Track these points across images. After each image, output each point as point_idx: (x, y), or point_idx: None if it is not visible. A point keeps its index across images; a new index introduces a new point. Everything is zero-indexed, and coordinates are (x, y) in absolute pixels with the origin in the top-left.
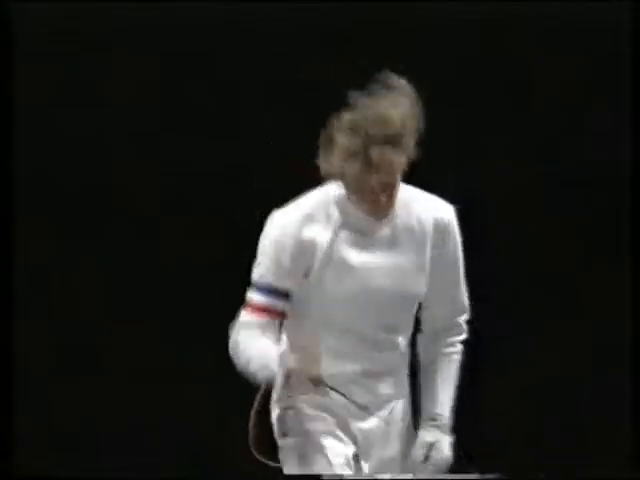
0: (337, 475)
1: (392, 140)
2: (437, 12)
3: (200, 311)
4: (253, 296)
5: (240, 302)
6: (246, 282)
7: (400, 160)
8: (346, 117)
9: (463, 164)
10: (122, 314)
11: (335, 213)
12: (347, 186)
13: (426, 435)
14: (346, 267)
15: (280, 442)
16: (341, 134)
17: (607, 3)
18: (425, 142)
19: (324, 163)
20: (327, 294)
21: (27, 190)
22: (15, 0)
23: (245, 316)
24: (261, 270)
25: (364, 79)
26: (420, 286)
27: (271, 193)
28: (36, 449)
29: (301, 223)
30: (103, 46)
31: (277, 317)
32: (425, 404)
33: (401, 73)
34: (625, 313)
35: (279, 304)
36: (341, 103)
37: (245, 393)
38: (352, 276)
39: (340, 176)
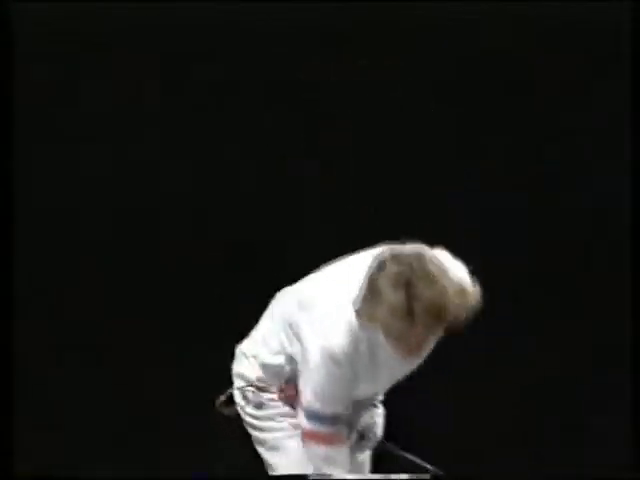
0: (325, 475)
1: (441, 316)
2: (437, 12)
3: (200, 311)
4: (330, 429)
5: (239, 303)
6: (246, 284)
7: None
8: (392, 269)
9: (463, 164)
10: (122, 314)
11: (375, 345)
12: (387, 334)
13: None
14: (380, 375)
15: (255, 412)
16: (387, 286)
17: (607, 3)
18: (425, 142)
19: (369, 310)
20: (357, 392)
21: (27, 190)
22: (15, 0)
23: (332, 449)
24: (330, 400)
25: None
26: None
27: (271, 193)
28: (36, 449)
29: (351, 356)
30: (103, 46)
31: None
32: None
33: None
34: (625, 313)
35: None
36: (341, 103)
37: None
38: (383, 377)
39: (382, 326)
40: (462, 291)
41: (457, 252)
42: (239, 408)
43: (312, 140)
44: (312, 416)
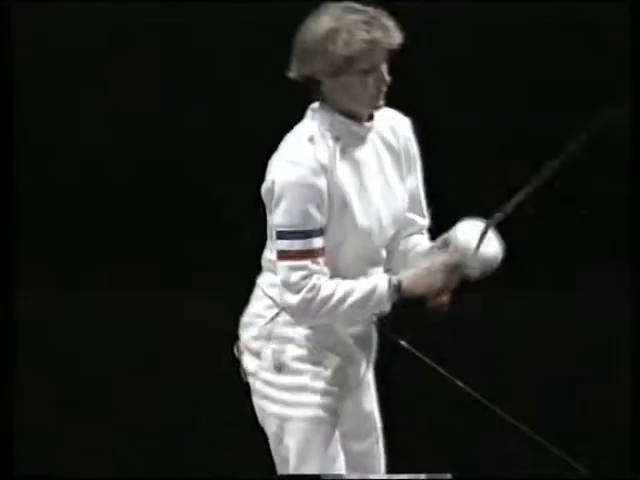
0: (337, 475)
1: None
2: (436, 12)
3: (201, 313)
4: (306, 243)
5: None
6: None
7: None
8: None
9: (463, 163)
10: (123, 313)
11: (331, 142)
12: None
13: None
14: (349, 203)
15: (270, 376)
16: (332, 41)
17: (607, 3)
18: (423, 141)
19: (318, 67)
20: (336, 230)
21: (27, 190)
22: (15, 0)
23: (314, 265)
24: (302, 215)
25: None
26: (405, 202)
27: None
28: (36, 449)
29: (314, 170)
30: (103, 46)
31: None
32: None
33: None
34: (625, 311)
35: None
36: None
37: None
38: (356, 211)
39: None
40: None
41: None
42: (247, 364)
43: None
44: (284, 235)
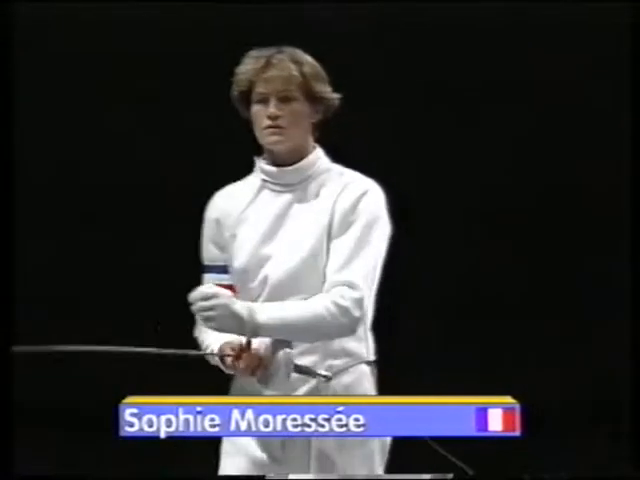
0: (334, 475)
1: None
2: (436, 12)
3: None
4: None
5: None
6: None
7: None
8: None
9: (465, 162)
10: (123, 311)
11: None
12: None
13: None
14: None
15: None
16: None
17: (607, 3)
18: (422, 142)
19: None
20: None
21: (27, 191)
22: (15, 0)
23: None
24: None
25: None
26: (314, 256)
27: None
28: (36, 448)
29: None
30: (103, 46)
31: None
32: None
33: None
34: (625, 311)
35: None
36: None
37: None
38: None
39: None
40: None
41: None
42: None
43: None
44: None
